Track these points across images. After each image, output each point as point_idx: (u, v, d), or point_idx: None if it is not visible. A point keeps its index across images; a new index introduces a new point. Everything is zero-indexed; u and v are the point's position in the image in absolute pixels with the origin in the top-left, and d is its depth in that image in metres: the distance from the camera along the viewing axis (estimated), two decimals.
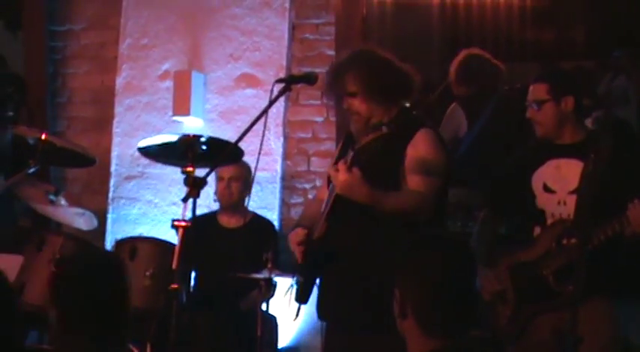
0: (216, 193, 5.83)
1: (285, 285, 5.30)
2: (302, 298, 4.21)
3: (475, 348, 2.89)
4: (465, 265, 2.79)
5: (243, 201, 5.75)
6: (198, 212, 4.09)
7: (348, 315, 4.08)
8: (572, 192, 4.31)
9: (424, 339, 2.68)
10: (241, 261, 5.33)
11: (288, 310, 4.26)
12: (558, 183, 4.39)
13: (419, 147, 4.03)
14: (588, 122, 4.61)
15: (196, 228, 4.03)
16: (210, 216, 5.85)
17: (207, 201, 5.96)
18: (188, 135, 4.84)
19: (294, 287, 4.24)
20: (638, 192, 4.10)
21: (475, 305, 2.82)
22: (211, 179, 4.12)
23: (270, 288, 4.93)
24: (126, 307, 3.01)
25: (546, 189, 4.42)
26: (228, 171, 5.71)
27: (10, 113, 6.42)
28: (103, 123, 6.97)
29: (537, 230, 4.40)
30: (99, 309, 2.92)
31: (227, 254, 5.55)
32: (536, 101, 4.41)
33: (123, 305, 3.00)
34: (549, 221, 4.38)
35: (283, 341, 5.99)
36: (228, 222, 5.84)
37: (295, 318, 4.28)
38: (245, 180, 5.73)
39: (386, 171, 4.01)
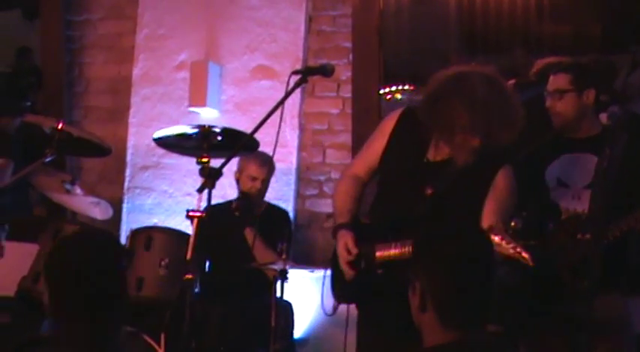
0: (238, 183, 5.77)
1: (301, 275, 5.33)
2: (345, 299, 4.10)
3: (491, 343, 2.87)
4: (486, 258, 2.79)
5: None
6: (213, 202, 4.09)
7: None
8: (586, 187, 4.30)
9: (442, 332, 2.68)
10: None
11: (325, 304, 4.19)
12: (572, 177, 4.38)
13: (501, 195, 3.80)
14: (603, 117, 4.58)
15: (211, 218, 4.02)
16: (226, 206, 5.85)
17: (222, 192, 5.97)
18: (204, 126, 4.85)
19: (334, 284, 4.12)
20: None
21: (493, 300, 2.81)
22: (228, 170, 4.10)
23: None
24: (121, 292, 2.93)
25: (560, 183, 4.41)
26: (262, 172, 5.67)
27: (28, 103, 6.47)
28: (120, 113, 7.00)
29: (551, 224, 4.38)
30: (92, 293, 2.83)
31: (242, 244, 5.55)
32: (558, 90, 4.38)
33: (118, 289, 2.91)
34: (563, 215, 4.36)
35: (298, 331, 6.00)
36: None
37: (333, 314, 4.20)
38: (271, 176, 5.77)
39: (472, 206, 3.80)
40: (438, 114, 3.69)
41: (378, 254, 3.85)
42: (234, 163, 5.71)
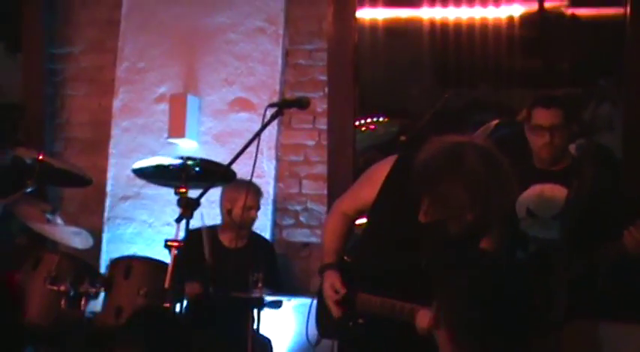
0: (230, 214, 5.75)
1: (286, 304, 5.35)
2: (329, 335, 4.15)
3: None
4: (499, 282, 2.86)
5: None
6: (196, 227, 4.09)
7: None
8: (554, 217, 4.37)
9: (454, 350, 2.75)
10: (243, 280, 5.36)
11: (309, 335, 4.21)
12: (541, 207, 4.44)
13: None
14: (572, 148, 4.68)
15: (196, 244, 4.03)
16: (211, 233, 5.85)
17: (200, 222, 6.03)
18: (182, 157, 4.93)
19: (318, 320, 4.18)
20: (620, 219, 4.15)
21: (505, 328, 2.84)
22: (206, 200, 4.14)
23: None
24: None
25: (529, 213, 4.48)
26: (257, 200, 5.80)
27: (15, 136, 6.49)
28: (100, 144, 7.04)
29: (520, 254, 4.44)
30: None
31: (228, 273, 5.57)
32: (556, 126, 4.44)
33: None
34: (532, 245, 4.43)
35: None
36: (230, 241, 5.80)
37: (316, 346, 4.24)
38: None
39: None
40: (433, 188, 3.55)
41: (359, 303, 3.88)
42: (211, 193, 5.76)
